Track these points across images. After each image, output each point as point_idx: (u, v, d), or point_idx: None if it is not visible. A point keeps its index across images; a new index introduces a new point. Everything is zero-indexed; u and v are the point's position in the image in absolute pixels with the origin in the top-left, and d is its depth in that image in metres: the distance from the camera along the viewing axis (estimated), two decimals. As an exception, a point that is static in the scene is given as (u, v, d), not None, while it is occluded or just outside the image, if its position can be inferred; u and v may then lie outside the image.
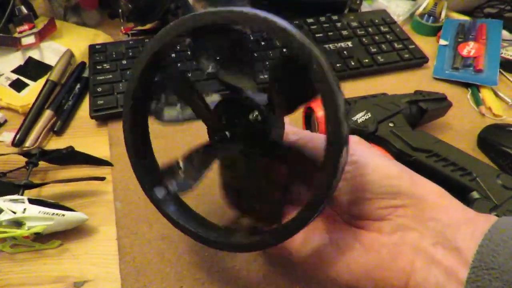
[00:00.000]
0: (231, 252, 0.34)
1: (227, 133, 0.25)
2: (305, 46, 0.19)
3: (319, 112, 0.41)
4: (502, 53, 0.57)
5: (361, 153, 0.24)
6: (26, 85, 0.49)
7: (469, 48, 0.57)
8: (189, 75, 0.51)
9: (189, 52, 0.53)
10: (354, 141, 0.26)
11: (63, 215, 0.33)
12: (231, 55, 0.25)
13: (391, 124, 0.41)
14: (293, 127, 0.27)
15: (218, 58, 0.26)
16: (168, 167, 0.29)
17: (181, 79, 0.27)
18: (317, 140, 0.25)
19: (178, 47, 0.54)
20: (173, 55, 0.53)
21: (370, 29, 0.61)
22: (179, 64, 0.52)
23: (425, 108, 0.43)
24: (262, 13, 0.20)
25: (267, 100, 0.24)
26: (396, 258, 0.22)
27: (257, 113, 0.24)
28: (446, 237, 0.21)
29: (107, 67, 0.50)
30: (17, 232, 0.32)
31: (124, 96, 0.28)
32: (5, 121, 0.46)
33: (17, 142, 0.42)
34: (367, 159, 0.24)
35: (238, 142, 0.26)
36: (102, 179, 0.38)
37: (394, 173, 0.23)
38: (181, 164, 0.29)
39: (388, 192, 0.23)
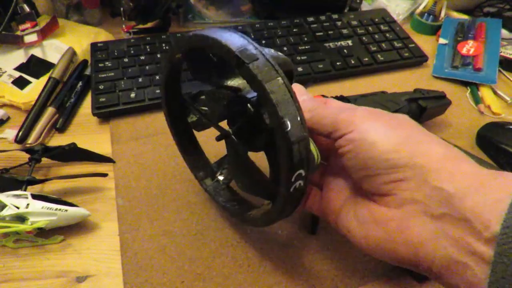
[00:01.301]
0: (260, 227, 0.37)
1: (229, 130, 0.28)
2: (230, 50, 0.21)
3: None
4: (501, 52, 0.57)
5: (362, 128, 0.24)
6: (28, 82, 0.49)
7: (468, 47, 0.57)
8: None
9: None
10: (360, 114, 0.25)
11: (66, 210, 0.34)
12: (223, 62, 0.28)
13: (390, 122, 0.42)
14: (310, 102, 0.27)
15: (213, 68, 0.29)
16: (217, 163, 0.36)
17: (183, 102, 0.33)
18: (330, 116, 0.25)
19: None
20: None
21: (370, 28, 0.61)
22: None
23: (424, 106, 0.44)
24: (202, 32, 0.23)
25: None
26: (404, 231, 0.22)
27: (249, 105, 0.26)
28: (454, 207, 0.20)
29: (109, 65, 0.51)
30: (20, 227, 0.32)
31: (166, 119, 0.36)
32: (8, 118, 0.46)
33: (20, 139, 0.43)
34: (366, 135, 0.23)
35: (244, 135, 0.28)
36: (104, 175, 0.39)
37: (392, 146, 0.23)
38: (226, 159, 0.35)
39: (388, 167, 0.23)
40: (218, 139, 0.29)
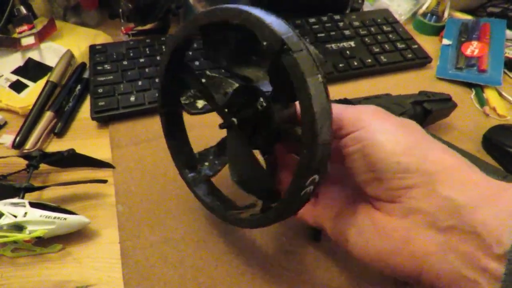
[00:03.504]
0: (246, 228, 0.36)
1: (234, 120, 0.27)
2: (275, 33, 0.20)
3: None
4: (506, 53, 0.57)
5: (371, 127, 0.22)
6: (26, 86, 0.48)
7: (472, 48, 0.57)
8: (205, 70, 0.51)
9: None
10: (367, 111, 0.24)
11: (65, 218, 0.33)
12: (240, 48, 0.27)
13: (395, 125, 0.41)
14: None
15: (228, 51, 0.28)
16: (201, 153, 0.34)
17: (193, 77, 0.30)
18: (335, 111, 0.23)
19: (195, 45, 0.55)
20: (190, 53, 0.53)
21: (372, 29, 0.61)
22: (197, 63, 0.52)
23: (429, 109, 0.43)
24: (241, 7, 0.21)
25: (272, 88, 0.26)
26: (408, 243, 0.21)
27: (261, 100, 0.26)
28: (463, 219, 0.19)
29: (108, 68, 0.50)
30: (18, 236, 0.32)
31: (157, 92, 0.33)
32: (5, 123, 0.45)
33: (17, 144, 0.42)
34: (375, 134, 0.22)
35: (246, 128, 0.27)
36: (104, 181, 0.38)
37: (403, 149, 0.22)
38: (211, 150, 0.33)
39: (397, 171, 0.21)
40: (222, 127, 0.28)
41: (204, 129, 0.40)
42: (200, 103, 0.32)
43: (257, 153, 0.29)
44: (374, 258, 0.23)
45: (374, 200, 0.23)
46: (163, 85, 0.31)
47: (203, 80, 0.31)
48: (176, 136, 0.35)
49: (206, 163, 0.33)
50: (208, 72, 0.32)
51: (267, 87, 0.26)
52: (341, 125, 0.23)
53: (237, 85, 0.31)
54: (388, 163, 0.21)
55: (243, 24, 0.21)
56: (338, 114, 0.23)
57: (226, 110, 0.29)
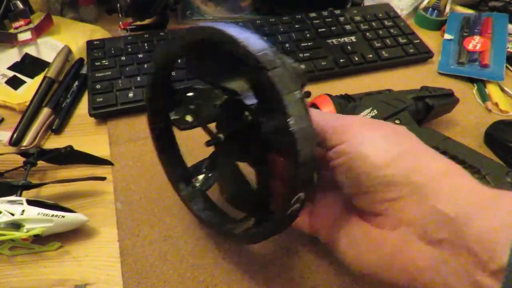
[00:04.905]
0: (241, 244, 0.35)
1: (221, 136, 0.26)
2: (248, 51, 0.19)
3: (324, 109, 0.40)
4: (508, 48, 0.56)
5: (355, 140, 0.22)
6: (23, 82, 0.48)
7: (474, 43, 0.56)
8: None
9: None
10: (354, 123, 0.23)
11: (63, 216, 0.33)
12: (224, 60, 0.26)
13: (397, 121, 0.41)
14: None
15: (212, 65, 0.27)
16: (195, 166, 0.33)
17: (176, 100, 0.30)
18: (323, 122, 0.23)
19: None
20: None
21: (373, 24, 0.60)
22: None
23: (431, 105, 0.42)
24: (217, 25, 0.21)
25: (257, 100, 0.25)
26: (398, 256, 0.21)
27: (247, 113, 0.25)
28: (455, 233, 0.18)
29: (106, 63, 0.49)
30: (15, 234, 0.31)
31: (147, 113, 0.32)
32: (2, 119, 0.45)
33: (15, 141, 0.41)
34: (360, 148, 0.22)
35: (235, 142, 0.27)
36: (103, 179, 0.38)
37: (387, 161, 0.21)
38: (205, 163, 0.32)
39: (382, 184, 0.21)
40: (209, 144, 0.27)
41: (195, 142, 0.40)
42: (190, 117, 0.32)
43: (246, 165, 0.28)
44: (366, 271, 0.22)
45: (362, 213, 0.23)
46: (150, 103, 0.31)
47: (191, 94, 0.30)
48: (167, 151, 0.34)
49: (200, 177, 0.33)
50: (196, 86, 0.31)
51: (253, 99, 0.26)
52: (325, 137, 0.23)
53: (225, 96, 0.31)
54: (372, 177, 0.21)
55: (219, 42, 0.21)
56: (323, 126, 0.23)
57: (215, 124, 0.28)
